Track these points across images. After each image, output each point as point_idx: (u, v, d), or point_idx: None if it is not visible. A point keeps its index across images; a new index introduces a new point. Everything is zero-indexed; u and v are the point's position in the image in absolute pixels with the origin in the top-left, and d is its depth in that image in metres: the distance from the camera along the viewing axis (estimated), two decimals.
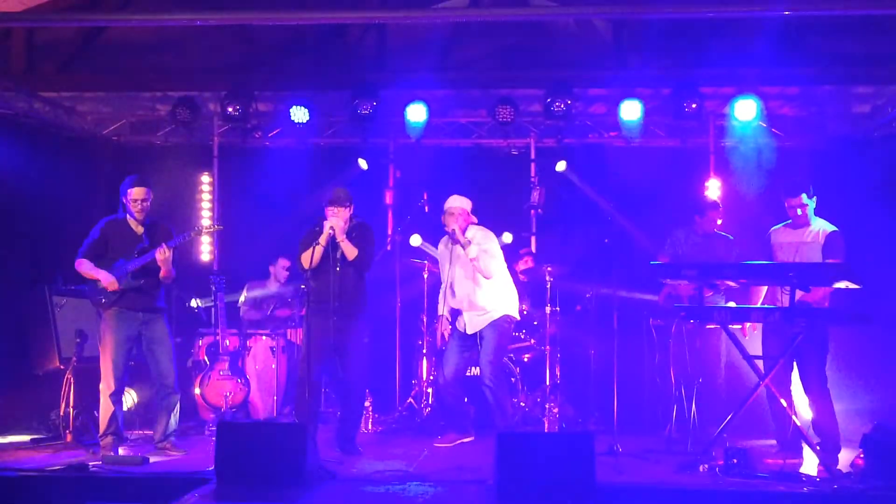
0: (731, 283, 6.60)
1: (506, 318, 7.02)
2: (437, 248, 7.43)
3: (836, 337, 6.53)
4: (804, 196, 6.39)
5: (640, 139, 8.65)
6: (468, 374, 7.38)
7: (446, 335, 7.18)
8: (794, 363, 6.42)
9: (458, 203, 7.00)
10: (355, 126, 8.52)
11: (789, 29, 7.47)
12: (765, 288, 6.64)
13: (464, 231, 6.93)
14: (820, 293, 6.26)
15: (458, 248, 6.93)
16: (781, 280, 6.05)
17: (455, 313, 7.18)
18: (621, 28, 8.08)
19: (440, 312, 7.26)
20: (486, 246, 6.90)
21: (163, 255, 6.40)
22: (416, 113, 8.34)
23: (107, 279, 6.41)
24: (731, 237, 7.31)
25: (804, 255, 6.40)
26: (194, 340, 8.11)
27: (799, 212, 6.43)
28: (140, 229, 6.58)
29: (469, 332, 7.00)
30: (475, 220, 7.08)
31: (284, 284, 8.67)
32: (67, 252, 6.76)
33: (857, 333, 7.14)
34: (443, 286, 7.23)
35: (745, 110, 7.99)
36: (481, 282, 6.92)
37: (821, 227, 6.45)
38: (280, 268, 8.69)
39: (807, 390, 6.45)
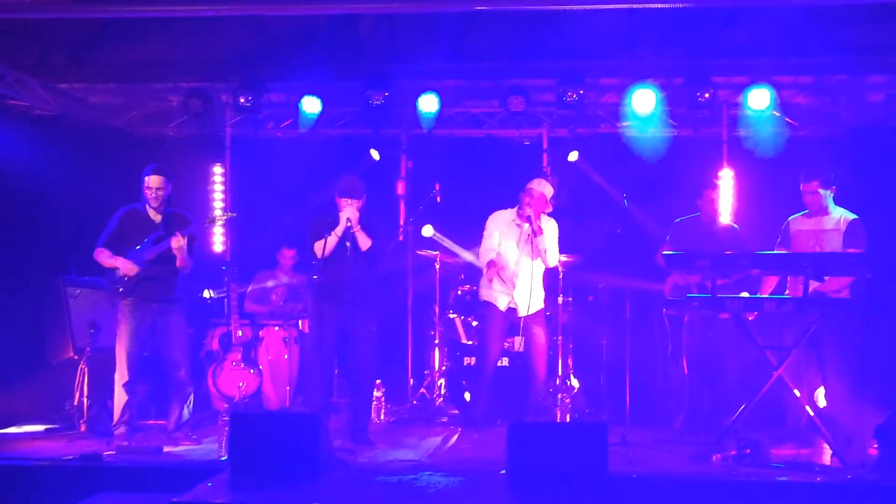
0: None
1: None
2: (449, 238, 7.43)
3: (849, 327, 6.49)
4: (817, 183, 6.35)
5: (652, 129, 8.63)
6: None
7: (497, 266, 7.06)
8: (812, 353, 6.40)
9: (542, 188, 7.07)
10: (367, 117, 8.50)
11: (802, 17, 7.41)
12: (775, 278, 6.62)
13: (538, 216, 7.00)
14: (838, 283, 6.22)
15: (526, 227, 7.00)
16: (796, 270, 6.02)
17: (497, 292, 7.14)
18: (634, 17, 8.04)
19: (489, 258, 7.08)
20: (554, 241, 7.10)
21: (177, 243, 6.41)
22: (428, 103, 8.31)
23: (125, 265, 6.43)
24: (737, 226, 7.29)
25: (825, 243, 6.35)
26: (207, 331, 8.13)
27: (811, 198, 6.39)
28: (158, 217, 6.60)
29: (522, 313, 7.05)
30: (550, 208, 7.17)
31: (295, 275, 8.67)
32: (81, 243, 6.77)
33: (871, 323, 7.10)
34: (491, 251, 7.10)
35: (759, 99, 7.93)
36: (545, 266, 7.09)
37: (841, 215, 6.41)
38: (285, 257, 8.70)
39: (822, 380, 6.43)
